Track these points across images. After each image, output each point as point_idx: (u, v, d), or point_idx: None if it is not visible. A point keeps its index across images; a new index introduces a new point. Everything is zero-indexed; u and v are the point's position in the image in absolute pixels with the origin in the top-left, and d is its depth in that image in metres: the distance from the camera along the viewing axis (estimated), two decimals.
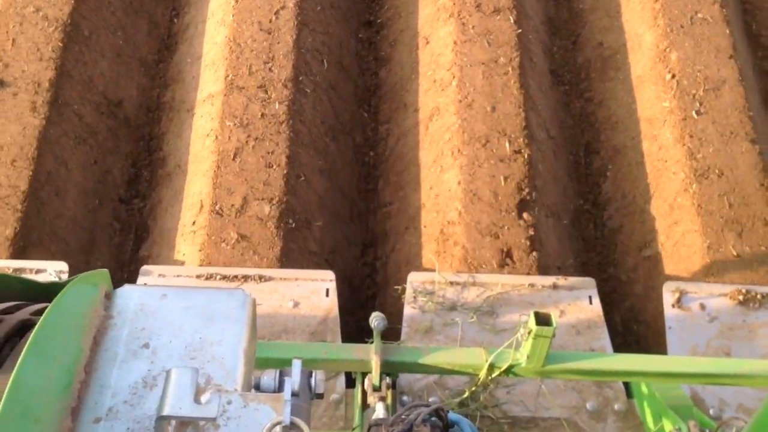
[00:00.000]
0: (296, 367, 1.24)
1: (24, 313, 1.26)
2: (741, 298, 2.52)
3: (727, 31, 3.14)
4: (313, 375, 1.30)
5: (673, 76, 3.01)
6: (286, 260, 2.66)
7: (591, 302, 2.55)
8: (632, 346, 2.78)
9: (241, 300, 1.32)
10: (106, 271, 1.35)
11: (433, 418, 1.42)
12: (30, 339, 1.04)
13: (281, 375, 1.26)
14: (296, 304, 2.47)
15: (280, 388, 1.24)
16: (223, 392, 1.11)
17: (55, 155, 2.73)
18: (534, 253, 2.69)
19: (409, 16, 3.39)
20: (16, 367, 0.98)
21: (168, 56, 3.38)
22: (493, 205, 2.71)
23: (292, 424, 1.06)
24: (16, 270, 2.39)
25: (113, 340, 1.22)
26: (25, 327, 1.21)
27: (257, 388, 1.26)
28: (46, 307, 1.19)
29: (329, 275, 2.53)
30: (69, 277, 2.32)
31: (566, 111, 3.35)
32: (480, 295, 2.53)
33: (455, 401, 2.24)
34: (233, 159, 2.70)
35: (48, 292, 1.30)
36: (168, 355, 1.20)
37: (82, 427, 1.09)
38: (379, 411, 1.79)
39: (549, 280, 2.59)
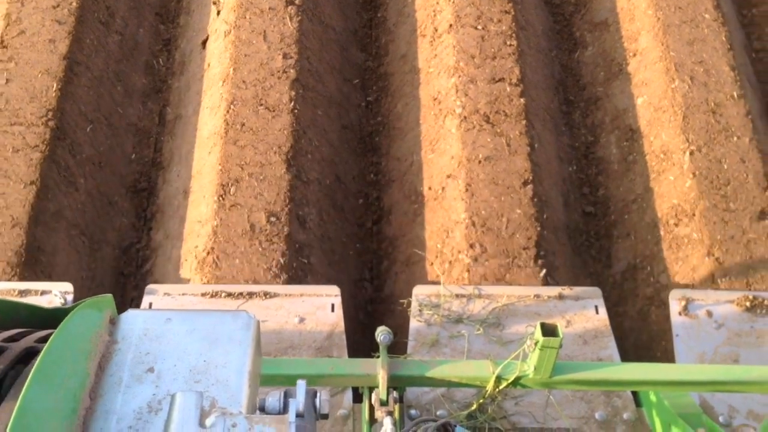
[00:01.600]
0: (301, 387, 1.22)
1: (29, 341, 1.26)
2: (748, 304, 2.49)
3: None
4: (318, 395, 1.29)
5: None
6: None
7: (597, 312, 2.52)
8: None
9: (246, 322, 1.31)
10: (110, 296, 1.36)
11: None
12: (36, 365, 1.04)
13: (286, 396, 1.25)
14: (302, 320, 2.44)
15: (284, 409, 1.23)
16: (227, 415, 1.10)
17: None
18: None
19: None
20: (22, 393, 0.98)
21: None
22: None
23: None
24: (21, 292, 2.38)
25: (118, 365, 1.22)
26: (30, 354, 1.20)
27: (262, 409, 1.25)
28: (50, 334, 1.18)
29: (334, 290, 2.50)
30: (74, 297, 2.33)
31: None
32: (486, 307, 2.49)
33: (463, 414, 2.20)
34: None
35: (54, 317, 1.31)
36: (173, 378, 1.19)
37: None
38: (387, 425, 1.78)
39: (555, 290, 2.55)
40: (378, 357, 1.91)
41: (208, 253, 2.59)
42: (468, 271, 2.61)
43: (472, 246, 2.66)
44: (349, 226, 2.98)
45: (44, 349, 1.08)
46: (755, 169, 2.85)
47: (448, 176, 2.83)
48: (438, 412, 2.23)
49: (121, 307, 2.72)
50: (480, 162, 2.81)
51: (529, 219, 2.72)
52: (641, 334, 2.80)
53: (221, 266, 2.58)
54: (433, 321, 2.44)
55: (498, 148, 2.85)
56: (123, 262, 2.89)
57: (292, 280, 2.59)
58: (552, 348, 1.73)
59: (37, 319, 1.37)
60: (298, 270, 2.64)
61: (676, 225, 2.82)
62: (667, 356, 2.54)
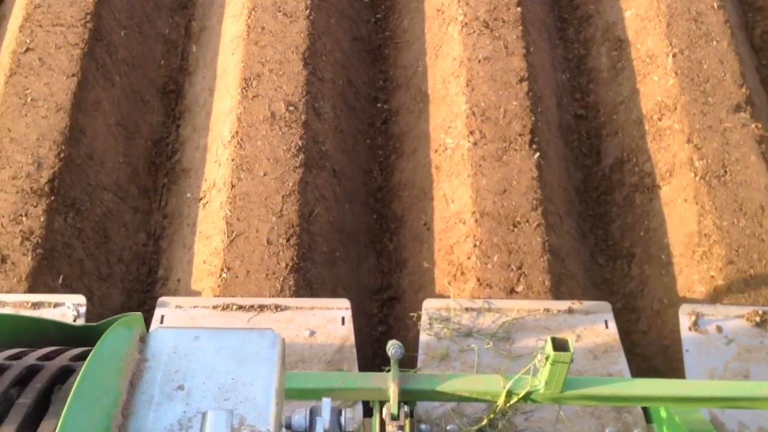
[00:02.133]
0: (326, 405, 1.28)
1: (63, 359, 1.28)
2: (758, 319, 2.52)
3: None
4: (343, 413, 1.34)
5: None
6: None
7: (607, 326, 2.52)
8: None
9: (272, 340, 1.34)
10: (139, 314, 1.40)
11: None
12: (75, 385, 1.06)
13: (312, 414, 1.30)
14: (312, 333, 2.46)
15: (311, 427, 1.29)
16: None
17: None
18: None
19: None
20: (63, 413, 1.02)
21: None
22: None
23: None
24: (34, 304, 2.42)
25: (149, 383, 1.25)
26: (65, 373, 1.23)
27: (288, 427, 1.31)
28: (83, 352, 1.26)
29: (345, 303, 2.51)
30: (85, 309, 2.44)
31: None
32: (495, 321, 2.50)
33: (474, 429, 2.22)
34: None
35: (80, 334, 1.39)
36: (202, 396, 1.22)
37: None
38: None
39: (564, 304, 2.56)
40: (389, 371, 1.89)
41: (232, 137, 2.86)
42: (468, 152, 2.87)
43: (472, 132, 2.92)
44: (360, 123, 3.25)
45: (83, 368, 1.11)
46: (732, 69, 3.11)
47: (451, 74, 3.10)
48: (448, 427, 2.26)
49: (154, 197, 2.99)
50: (480, 61, 3.07)
51: (525, 110, 2.98)
52: (626, 218, 3.06)
53: (245, 147, 2.84)
54: (443, 335, 2.46)
55: (496, 49, 3.11)
56: (155, 153, 3.16)
57: (309, 161, 2.85)
58: (563, 363, 1.74)
59: (67, 336, 1.41)
60: (314, 153, 2.91)
61: (659, 119, 3.08)
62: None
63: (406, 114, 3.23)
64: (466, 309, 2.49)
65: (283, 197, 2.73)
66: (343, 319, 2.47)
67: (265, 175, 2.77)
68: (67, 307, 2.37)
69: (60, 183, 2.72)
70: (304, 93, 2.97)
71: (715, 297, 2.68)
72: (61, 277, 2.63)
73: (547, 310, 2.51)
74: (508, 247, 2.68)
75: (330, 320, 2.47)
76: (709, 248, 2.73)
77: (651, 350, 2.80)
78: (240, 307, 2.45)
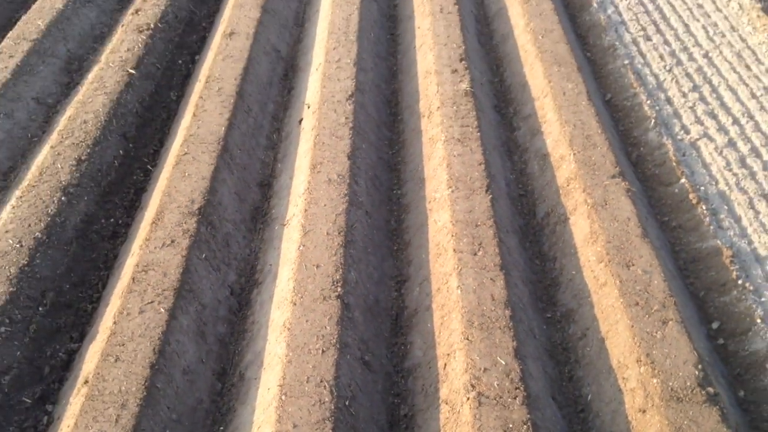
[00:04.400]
0: None
1: None
2: None
3: None
4: None
5: None
6: None
7: None
8: None
9: None
10: None
11: None
12: None
13: None
14: None
15: None
16: None
17: None
18: None
19: None
20: None
21: None
22: None
23: None
24: None
25: None
26: None
27: None
28: None
29: None
30: None
31: None
32: None
33: None
34: None
35: None
36: None
37: None
38: None
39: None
40: None
41: (305, 190, 4.76)
42: (448, 197, 4.73)
43: (450, 187, 4.81)
44: (382, 195, 5.15)
45: None
46: (610, 158, 5.06)
47: (438, 165, 5.08)
48: None
49: (253, 225, 4.87)
50: (455, 156, 5.06)
51: (482, 178, 4.90)
52: (551, 238, 4.78)
53: (312, 194, 4.73)
54: None
55: (465, 152, 5.11)
56: (256, 211, 5.04)
57: (351, 203, 4.72)
58: None
59: None
60: (354, 200, 4.77)
61: (567, 185, 4.96)
62: None
63: (411, 191, 5.14)
64: None
65: (335, 216, 4.56)
66: None
67: (325, 205, 4.63)
68: None
69: (201, 213, 4.59)
70: (348, 172, 4.93)
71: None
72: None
73: None
74: (472, 234, 4.42)
75: None
76: (596, 238, 4.45)
77: None
78: None
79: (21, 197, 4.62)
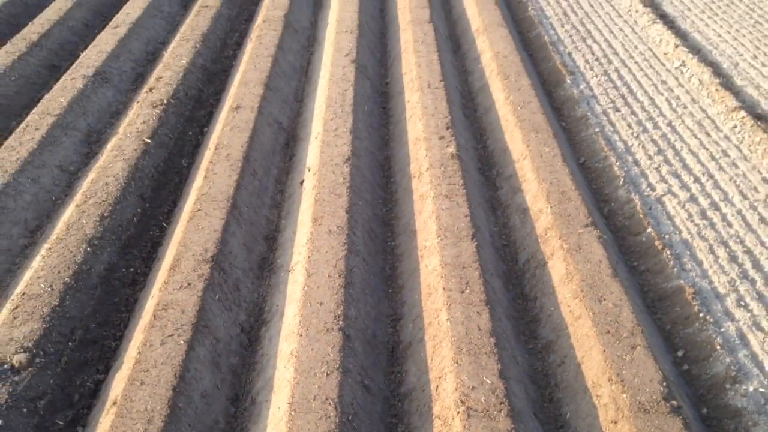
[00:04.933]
0: None
1: None
2: None
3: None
4: None
5: None
6: None
7: None
8: None
9: None
10: None
11: None
12: None
13: None
14: None
15: None
16: None
17: None
18: None
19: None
20: None
21: None
22: None
23: None
24: None
25: None
26: None
27: None
28: None
29: None
30: None
31: None
32: None
33: None
34: None
35: None
36: None
37: None
38: None
39: None
40: None
41: (308, 240, 5.25)
42: (437, 244, 5.24)
43: (439, 236, 5.32)
44: (377, 245, 5.64)
45: None
46: (582, 211, 5.60)
47: (428, 218, 5.60)
48: None
49: (260, 272, 5.41)
50: (443, 210, 5.59)
51: (468, 228, 5.42)
52: (531, 281, 5.27)
53: (314, 243, 5.22)
54: None
55: (452, 206, 5.64)
56: (263, 259, 5.51)
57: (350, 251, 5.21)
58: None
59: None
60: (353, 248, 5.26)
61: (545, 234, 5.48)
62: None
63: (403, 242, 5.65)
64: None
65: (336, 261, 5.04)
66: None
67: (326, 252, 5.12)
68: None
69: (214, 260, 5.06)
70: (347, 224, 5.44)
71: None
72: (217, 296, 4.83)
73: None
74: (460, 275, 4.90)
75: None
76: (571, 278, 4.94)
77: None
78: None
79: (50, 248, 5.10)
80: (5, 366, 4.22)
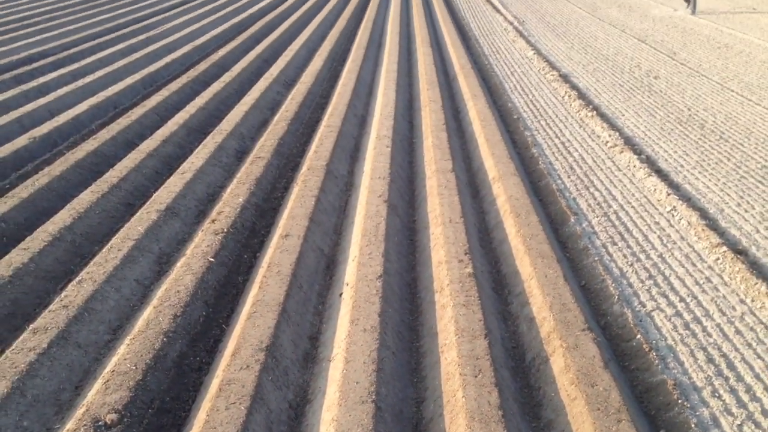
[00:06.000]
0: None
1: None
2: None
3: None
4: None
5: None
6: None
7: None
8: None
9: None
10: None
11: None
12: None
13: None
14: None
15: None
16: None
17: None
18: None
19: None
20: None
21: None
22: None
23: None
24: None
25: None
26: None
27: None
28: None
29: None
30: None
31: None
32: None
33: None
34: None
35: None
36: None
37: None
38: None
39: None
40: None
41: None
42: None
43: (456, 334, 6.30)
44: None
45: None
46: (575, 314, 6.57)
47: (444, 317, 6.60)
48: None
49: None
50: (458, 308, 6.60)
51: (480, 328, 6.39)
52: (538, 377, 6.16)
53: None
54: None
55: (468, 313, 6.66)
56: (310, 346, 6.48)
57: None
58: None
59: None
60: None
61: (548, 338, 6.43)
62: None
63: (426, 343, 6.61)
64: None
65: (370, 352, 6.02)
66: None
67: (361, 345, 6.11)
68: None
69: (267, 349, 6.07)
70: (379, 326, 6.45)
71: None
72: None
73: None
74: (474, 364, 5.83)
75: None
76: (569, 369, 5.84)
77: None
78: None
79: (133, 338, 6.17)
80: (100, 423, 5.18)
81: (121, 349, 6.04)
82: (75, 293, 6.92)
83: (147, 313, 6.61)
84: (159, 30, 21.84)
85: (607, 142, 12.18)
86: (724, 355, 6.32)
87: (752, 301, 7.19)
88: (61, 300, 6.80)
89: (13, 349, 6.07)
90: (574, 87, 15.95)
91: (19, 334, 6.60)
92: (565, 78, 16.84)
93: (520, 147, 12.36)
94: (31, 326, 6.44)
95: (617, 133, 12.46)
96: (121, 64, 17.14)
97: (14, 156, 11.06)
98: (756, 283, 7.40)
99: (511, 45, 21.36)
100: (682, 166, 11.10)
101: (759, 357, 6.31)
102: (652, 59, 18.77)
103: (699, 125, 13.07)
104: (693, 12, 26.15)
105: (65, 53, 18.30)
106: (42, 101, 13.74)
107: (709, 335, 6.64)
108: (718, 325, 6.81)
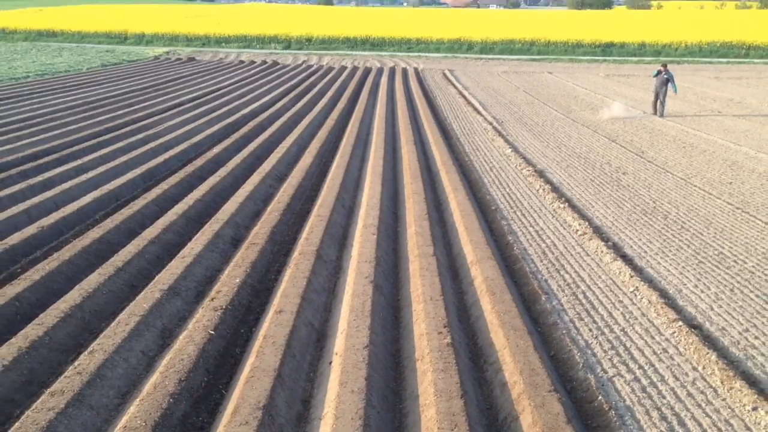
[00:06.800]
0: None
1: None
2: None
3: None
4: None
5: None
6: None
7: None
8: None
9: None
10: None
11: None
12: None
13: None
14: None
15: None
16: None
17: None
18: None
19: None
20: None
21: None
22: None
23: None
24: None
25: None
26: None
27: None
28: None
29: None
30: None
31: None
32: None
33: None
34: None
35: None
36: None
37: None
38: None
39: None
40: None
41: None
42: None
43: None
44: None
45: None
46: (544, 379, 7.27)
47: (425, 371, 7.29)
48: None
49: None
50: (437, 375, 7.30)
51: (461, 410, 7.08)
52: None
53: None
54: None
55: (448, 381, 7.36)
56: (302, 408, 7.10)
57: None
58: None
59: None
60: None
61: (517, 401, 7.12)
62: None
63: (408, 405, 7.27)
64: None
65: (357, 410, 6.68)
66: None
67: (349, 404, 6.78)
68: None
69: (264, 408, 6.72)
70: (365, 388, 7.13)
71: None
72: None
73: None
74: (451, 420, 6.50)
75: None
76: (536, 424, 6.52)
77: None
78: None
79: (143, 399, 6.81)
80: None
81: (132, 409, 6.67)
82: (87, 362, 7.57)
83: (154, 378, 7.27)
84: (157, 129, 23.02)
85: (578, 230, 13.14)
86: (676, 414, 7.03)
87: (703, 368, 7.95)
88: (75, 367, 7.45)
89: (33, 409, 6.69)
90: (548, 181, 17.08)
91: (35, 399, 7.21)
92: (540, 173, 18.01)
93: (497, 235, 13.28)
94: (49, 389, 7.07)
95: (587, 223, 13.45)
96: (122, 160, 18.15)
97: (24, 243, 11.82)
98: (707, 353, 8.18)
99: (490, 143, 22.69)
100: (645, 251, 12.03)
101: (707, 415, 7.03)
102: (621, 157, 20.07)
103: (663, 216, 14.11)
104: (661, 115, 27.83)
105: (68, 150, 19.30)
106: (48, 194, 14.60)
107: (664, 397, 7.36)
108: (672, 388, 7.54)
